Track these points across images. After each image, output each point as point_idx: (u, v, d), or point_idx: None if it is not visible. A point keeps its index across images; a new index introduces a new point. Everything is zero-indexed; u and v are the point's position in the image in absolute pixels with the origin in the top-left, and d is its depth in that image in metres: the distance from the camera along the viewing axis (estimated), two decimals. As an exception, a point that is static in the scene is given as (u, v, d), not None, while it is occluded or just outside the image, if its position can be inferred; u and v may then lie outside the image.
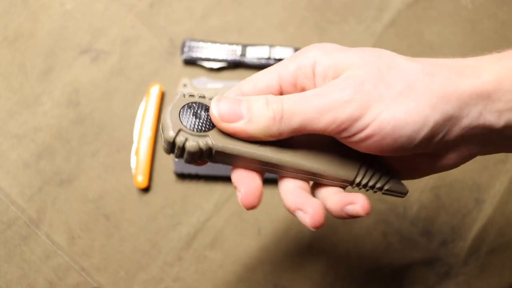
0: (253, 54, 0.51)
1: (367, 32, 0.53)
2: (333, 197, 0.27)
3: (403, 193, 0.28)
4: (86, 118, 0.50)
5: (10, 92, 0.50)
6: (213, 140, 0.24)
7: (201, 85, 0.50)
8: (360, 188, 0.28)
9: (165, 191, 0.48)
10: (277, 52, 0.51)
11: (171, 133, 0.24)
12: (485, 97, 0.23)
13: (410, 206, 0.48)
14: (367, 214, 0.27)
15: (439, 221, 0.48)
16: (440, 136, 0.24)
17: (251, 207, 0.25)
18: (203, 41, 0.51)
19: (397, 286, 0.46)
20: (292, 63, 0.26)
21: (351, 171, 0.27)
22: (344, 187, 0.28)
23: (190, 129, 0.24)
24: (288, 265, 0.46)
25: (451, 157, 0.26)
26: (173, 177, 0.48)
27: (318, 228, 0.25)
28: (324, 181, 0.27)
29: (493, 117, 0.24)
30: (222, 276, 0.46)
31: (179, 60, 0.52)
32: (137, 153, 0.48)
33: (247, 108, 0.24)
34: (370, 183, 0.27)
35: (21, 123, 0.49)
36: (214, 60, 0.51)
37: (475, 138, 0.24)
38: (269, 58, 0.51)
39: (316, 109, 0.23)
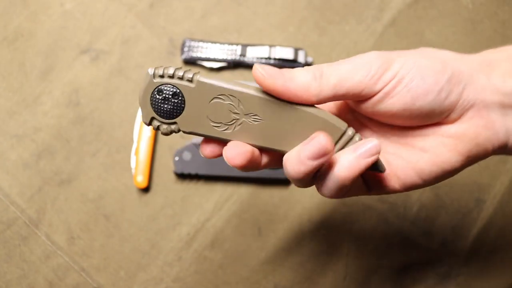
0: (253, 54, 0.51)
1: (367, 32, 0.53)
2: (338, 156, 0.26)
3: (380, 171, 0.27)
4: (86, 118, 0.50)
5: (10, 92, 0.50)
6: (180, 126, 0.26)
7: (201, 85, 0.50)
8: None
9: (165, 191, 0.48)
10: (277, 52, 0.50)
11: (145, 120, 0.27)
12: (485, 63, 0.27)
13: (410, 206, 0.48)
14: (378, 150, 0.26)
15: (439, 221, 0.48)
16: (460, 87, 0.26)
17: (237, 165, 0.26)
18: (203, 41, 0.51)
19: (397, 286, 0.46)
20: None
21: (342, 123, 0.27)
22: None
23: (161, 117, 0.26)
24: (288, 265, 0.46)
25: (479, 123, 0.26)
26: (173, 177, 0.48)
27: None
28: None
29: (499, 80, 0.26)
30: (222, 276, 0.46)
31: (179, 60, 0.52)
32: (137, 153, 0.48)
33: (288, 71, 0.26)
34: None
35: (21, 123, 0.49)
36: (214, 60, 0.51)
37: (492, 103, 0.26)
38: (269, 58, 0.51)
39: (351, 66, 0.26)
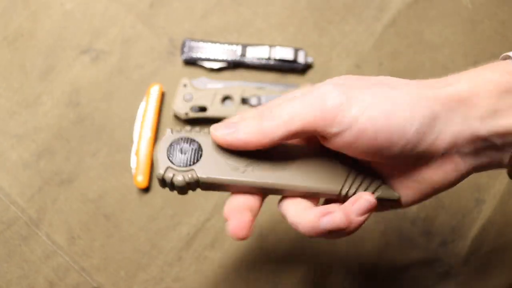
0: (253, 54, 0.51)
1: (367, 32, 0.53)
2: (304, 213, 0.26)
3: (394, 199, 0.27)
4: (86, 118, 0.50)
5: (10, 92, 0.50)
6: (197, 172, 0.27)
7: (201, 85, 0.50)
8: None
9: (165, 191, 0.48)
10: (277, 52, 0.50)
11: (160, 171, 0.27)
12: (462, 102, 0.24)
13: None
14: (350, 225, 0.25)
15: (439, 221, 0.48)
16: (431, 137, 0.24)
17: (241, 239, 0.26)
18: (203, 41, 0.51)
19: (397, 286, 0.46)
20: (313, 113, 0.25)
21: (338, 183, 0.27)
22: (333, 201, 0.28)
23: (177, 165, 0.27)
24: (288, 265, 0.46)
25: (448, 169, 0.25)
26: (173, 177, 0.48)
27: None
28: (311, 195, 0.28)
29: (476, 123, 0.24)
30: (222, 276, 0.46)
31: (179, 60, 0.52)
32: (137, 153, 0.48)
33: (241, 118, 0.26)
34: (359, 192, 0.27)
35: (21, 123, 0.49)
36: (214, 60, 0.51)
37: (467, 147, 0.25)
38: (269, 58, 0.51)
39: (301, 104, 0.24)
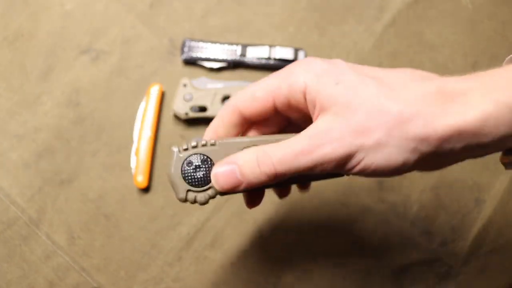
0: (253, 54, 0.51)
1: (367, 32, 0.53)
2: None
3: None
4: (86, 118, 0.50)
5: (10, 92, 0.50)
6: (215, 189, 0.28)
7: (201, 85, 0.50)
8: None
9: (165, 191, 0.48)
10: (277, 52, 0.50)
11: (181, 196, 0.28)
12: (469, 135, 0.23)
13: (410, 206, 0.48)
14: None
15: (439, 221, 0.48)
16: (426, 163, 0.25)
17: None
18: (203, 41, 0.51)
19: (397, 286, 0.46)
20: (284, 84, 0.28)
21: None
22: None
23: (195, 186, 0.28)
24: (288, 265, 0.46)
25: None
26: (173, 177, 0.48)
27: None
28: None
29: (478, 150, 0.24)
30: (222, 276, 0.46)
31: (179, 60, 0.52)
32: (137, 153, 0.48)
33: (241, 175, 0.27)
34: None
35: (21, 123, 0.49)
36: (214, 60, 0.51)
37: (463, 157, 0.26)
38: (269, 58, 0.51)
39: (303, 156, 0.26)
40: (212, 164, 0.28)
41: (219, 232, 0.47)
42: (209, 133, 0.31)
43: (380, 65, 0.52)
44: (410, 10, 0.54)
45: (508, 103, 0.22)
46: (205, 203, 0.28)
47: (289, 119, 0.31)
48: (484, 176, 0.48)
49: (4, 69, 0.51)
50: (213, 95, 0.49)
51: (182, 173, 0.28)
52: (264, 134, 0.32)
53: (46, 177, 0.48)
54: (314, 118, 0.27)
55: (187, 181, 0.28)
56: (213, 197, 0.28)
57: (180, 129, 0.50)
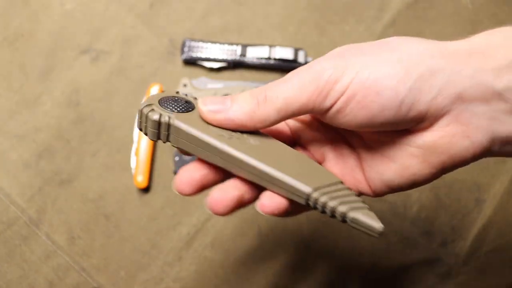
0: (253, 54, 0.51)
1: (367, 32, 0.53)
2: None
3: (374, 230, 0.23)
4: (86, 118, 0.50)
5: (10, 92, 0.50)
6: (175, 119, 0.24)
7: (201, 85, 0.50)
8: (316, 208, 0.23)
9: (165, 191, 0.48)
10: (277, 52, 0.50)
11: (142, 104, 0.25)
12: (477, 53, 0.22)
13: (410, 206, 0.48)
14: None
15: (439, 221, 0.48)
16: (431, 94, 0.22)
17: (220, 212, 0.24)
18: (203, 41, 0.51)
19: (397, 286, 0.46)
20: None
21: (312, 184, 0.23)
22: (294, 203, 0.24)
23: (160, 106, 0.25)
24: (288, 265, 0.46)
25: (456, 132, 0.22)
26: (173, 177, 0.48)
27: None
28: (275, 188, 0.24)
29: (491, 76, 0.21)
30: (222, 276, 0.46)
31: (179, 60, 0.52)
32: (137, 153, 0.48)
33: (232, 99, 0.25)
34: (331, 204, 0.23)
35: (21, 123, 0.49)
36: (214, 60, 0.51)
37: (479, 105, 0.22)
38: (269, 58, 0.51)
39: (297, 84, 0.23)
40: (191, 109, 0.26)
41: (219, 232, 0.47)
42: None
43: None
44: (410, 10, 0.54)
45: None
46: (152, 121, 0.24)
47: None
48: (484, 176, 0.48)
49: (4, 69, 0.51)
50: (213, 95, 0.49)
51: (161, 99, 0.26)
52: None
53: (46, 177, 0.48)
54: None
55: (159, 102, 0.25)
56: (162, 123, 0.24)
57: (180, 129, 0.50)
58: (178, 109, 0.25)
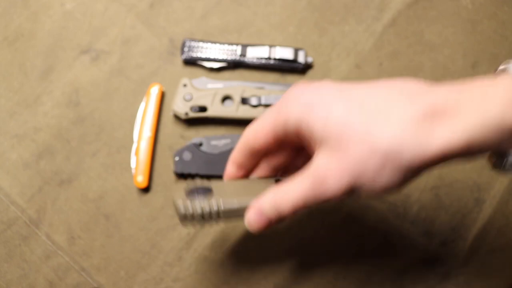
0: (253, 54, 0.51)
1: (367, 32, 0.53)
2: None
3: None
4: (86, 118, 0.50)
5: (10, 92, 0.50)
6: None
7: (201, 85, 0.50)
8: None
9: (165, 191, 0.48)
10: (277, 52, 0.50)
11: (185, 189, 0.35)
12: (455, 156, 0.26)
13: (410, 206, 0.48)
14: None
15: (439, 221, 0.48)
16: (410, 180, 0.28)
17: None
18: (203, 41, 0.51)
19: (397, 286, 0.46)
20: (279, 121, 0.31)
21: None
22: None
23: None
24: (288, 265, 0.46)
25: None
26: (173, 177, 0.48)
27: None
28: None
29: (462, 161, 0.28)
30: (222, 276, 0.46)
31: (179, 60, 0.52)
32: (137, 153, 0.48)
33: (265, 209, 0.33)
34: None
35: (21, 123, 0.49)
36: (214, 60, 0.51)
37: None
38: (269, 58, 0.51)
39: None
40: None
41: (219, 232, 0.47)
42: (230, 166, 0.36)
43: (380, 65, 0.52)
44: (410, 10, 0.54)
45: (495, 123, 0.24)
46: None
47: (300, 144, 0.33)
48: (484, 176, 0.48)
49: (4, 69, 0.51)
50: (213, 95, 0.49)
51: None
52: (275, 164, 0.36)
53: (46, 177, 0.48)
54: (311, 150, 0.30)
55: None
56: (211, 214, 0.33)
57: (180, 129, 0.50)
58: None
